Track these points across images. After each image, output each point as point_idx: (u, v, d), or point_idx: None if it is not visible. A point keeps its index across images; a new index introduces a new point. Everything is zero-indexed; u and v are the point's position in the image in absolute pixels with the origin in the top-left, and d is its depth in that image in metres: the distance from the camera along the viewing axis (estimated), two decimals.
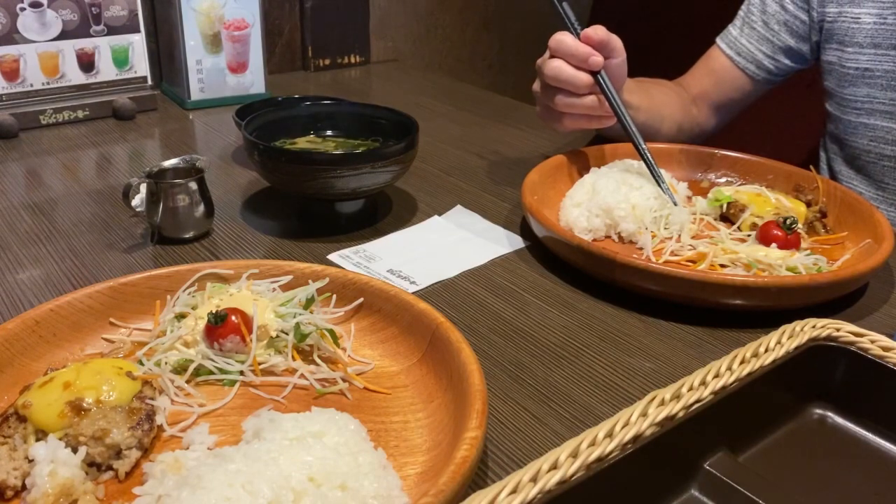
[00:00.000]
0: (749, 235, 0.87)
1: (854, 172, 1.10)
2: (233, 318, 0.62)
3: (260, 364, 0.62)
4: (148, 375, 0.58)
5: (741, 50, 1.12)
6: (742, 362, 0.55)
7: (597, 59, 0.89)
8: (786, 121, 1.74)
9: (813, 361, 0.58)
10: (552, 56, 0.92)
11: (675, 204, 0.88)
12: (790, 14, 1.07)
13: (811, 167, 0.98)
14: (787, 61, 1.11)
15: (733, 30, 1.14)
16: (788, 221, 0.83)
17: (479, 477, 0.54)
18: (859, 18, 1.00)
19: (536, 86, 0.98)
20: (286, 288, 0.69)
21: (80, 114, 1.25)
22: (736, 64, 1.13)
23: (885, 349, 0.57)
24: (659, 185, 0.89)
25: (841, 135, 1.08)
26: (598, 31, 0.90)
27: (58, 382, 0.54)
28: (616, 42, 0.92)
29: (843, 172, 1.11)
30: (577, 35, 0.91)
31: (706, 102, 1.17)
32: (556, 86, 0.92)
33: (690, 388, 0.52)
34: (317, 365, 0.63)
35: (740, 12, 1.14)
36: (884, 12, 0.98)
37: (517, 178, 0.95)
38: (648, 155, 0.91)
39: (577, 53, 0.89)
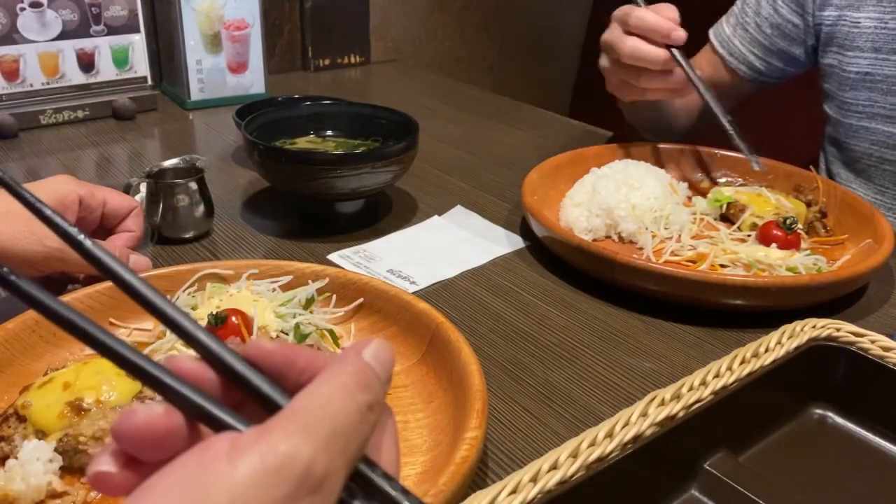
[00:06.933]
0: (749, 235, 0.87)
1: (854, 176, 1.09)
2: (233, 318, 0.62)
3: None
4: None
5: (733, 51, 1.12)
6: (742, 362, 0.55)
7: (679, 33, 0.90)
8: (786, 121, 1.74)
9: (813, 361, 0.58)
10: (626, 32, 0.92)
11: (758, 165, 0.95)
12: (783, 18, 1.07)
13: (811, 167, 0.98)
14: (779, 64, 1.10)
15: (727, 27, 1.13)
16: (788, 221, 0.83)
17: (479, 477, 0.54)
18: (859, 23, 0.99)
19: (605, 62, 0.97)
20: (286, 288, 0.69)
21: (80, 114, 1.25)
22: (728, 64, 1.13)
23: (885, 349, 0.57)
24: (747, 153, 0.94)
25: (841, 138, 1.08)
26: (667, 9, 0.92)
27: (58, 383, 0.54)
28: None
29: (842, 175, 1.11)
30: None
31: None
32: (633, 63, 0.92)
33: (690, 389, 0.52)
34: None
35: (734, 8, 1.13)
36: (884, 16, 0.97)
37: (517, 178, 0.95)
38: (730, 128, 0.94)
39: (659, 28, 0.90)
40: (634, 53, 0.91)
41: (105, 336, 0.28)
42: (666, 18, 0.91)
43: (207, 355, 0.30)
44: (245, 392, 0.30)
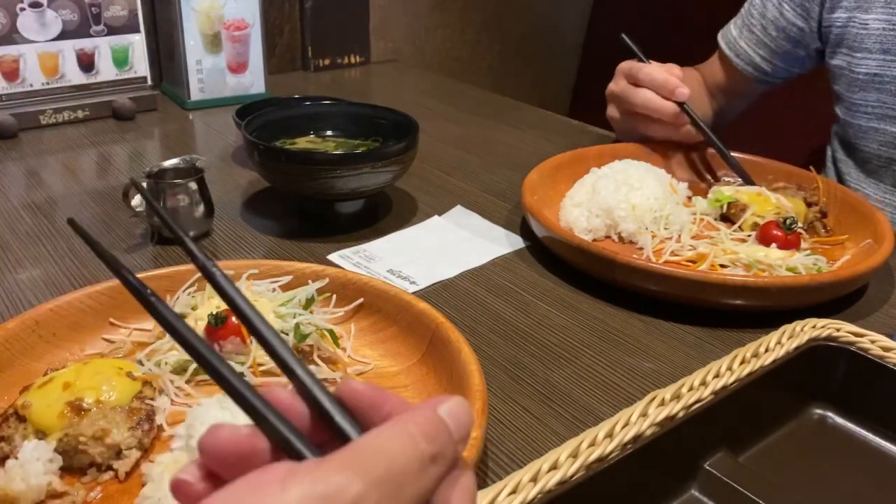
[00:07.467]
0: (749, 236, 0.87)
1: (864, 176, 1.10)
2: (233, 319, 0.62)
3: (260, 365, 0.62)
4: (148, 376, 0.58)
5: (739, 52, 1.13)
6: (742, 362, 0.55)
7: (683, 90, 0.97)
8: (787, 121, 1.74)
9: (813, 361, 0.58)
10: (636, 85, 0.99)
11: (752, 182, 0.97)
12: (788, 21, 1.08)
13: (811, 167, 0.98)
14: (784, 65, 1.12)
15: (734, 29, 1.15)
16: (788, 221, 0.83)
17: (479, 477, 0.54)
18: (868, 24, 0.99)
19: (614, 112, 1.05)
20: (286, 288, 0.69)
21: (80, 114, 1.25)
22: (734, 65, 1.14)
23: (885, 349, 0.57)
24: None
25: (851, 139, 1.08)
26: (673, 68, 1.00)
27: (58, 383, 0.54)
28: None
29: (852, 176, 1.11)
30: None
31: (713, 94, 1.19)
32: (645, 114, 0.99)
33: (690, 388, 0.52)
34: (317, 365, 0.63)
35: (742, 10, 1.14)
36: (892, 18, 0.97)
37: (517, 178, 0.95)
38: (742, 169, 0.99)
39: (667, 85, 0.97)
40: (646, 105, 0.98)
41: (215, 359, 0.30)
42: (679, 74, 0.98)
43: (300, 387, 0.31)
44: (327, 426, 0.30)
